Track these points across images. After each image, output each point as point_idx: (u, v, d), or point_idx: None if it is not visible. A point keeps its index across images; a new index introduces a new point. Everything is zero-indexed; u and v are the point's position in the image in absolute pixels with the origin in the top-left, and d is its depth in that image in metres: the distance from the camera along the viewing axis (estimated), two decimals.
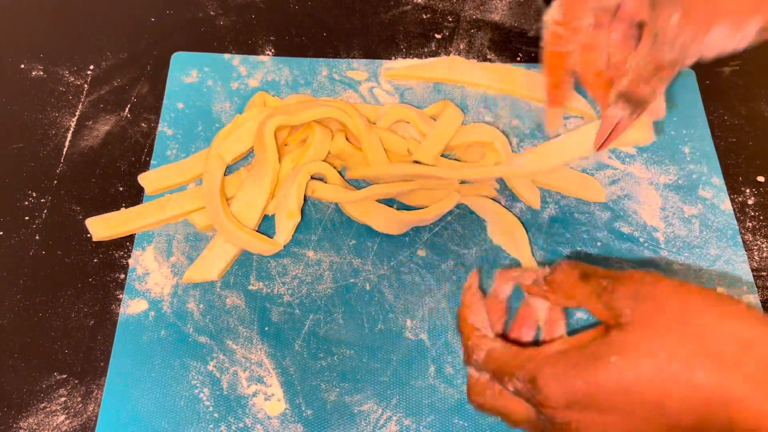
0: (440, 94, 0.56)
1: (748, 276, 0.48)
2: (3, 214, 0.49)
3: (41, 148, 0.52)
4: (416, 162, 0.50)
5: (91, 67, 0.57)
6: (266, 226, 0.49)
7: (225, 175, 0.49)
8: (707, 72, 0.58)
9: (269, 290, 0.46)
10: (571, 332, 0.35)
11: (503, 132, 0.54)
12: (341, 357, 0.44)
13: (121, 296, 0.46)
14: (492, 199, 0.50)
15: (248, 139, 0.49)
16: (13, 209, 0.50)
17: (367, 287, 0.47)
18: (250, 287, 0.47)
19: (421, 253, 0.48)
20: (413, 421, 0.42)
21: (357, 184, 0.51)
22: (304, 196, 0.48)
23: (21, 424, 0.42)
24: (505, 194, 0.51)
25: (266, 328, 0.45)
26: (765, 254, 0.49)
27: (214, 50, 0.58)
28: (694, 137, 0.54)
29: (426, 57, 0.59)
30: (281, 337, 0.45)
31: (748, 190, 0.52)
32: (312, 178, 0.49)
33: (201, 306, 0.46)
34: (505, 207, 0.50)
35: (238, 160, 0.51)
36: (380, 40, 0.59)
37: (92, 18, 0.60)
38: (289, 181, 0.47)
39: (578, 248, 0.49)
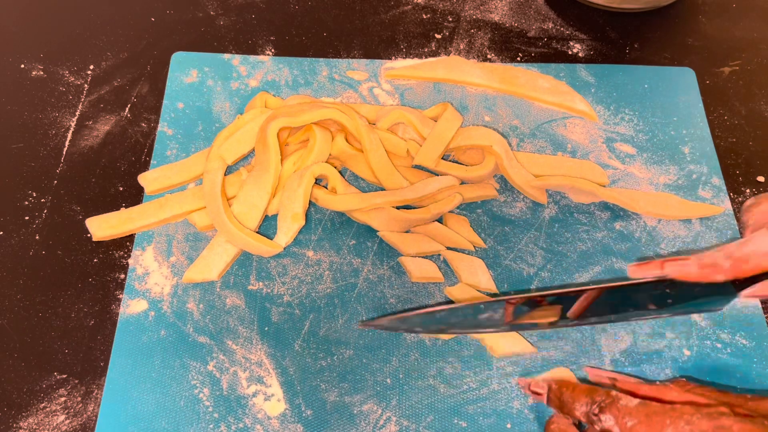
0: (440, 94, 0.56)
1: None
2: (3, 214, 0.49)
3: (41, 148, 0.52)
4: (416, 166, 0.50)
5: (91, 67, 0.57)
6: (266, 226, 0.49)
7: (225, 175, 0.49)
8: (707, 72, 0.58)
9: (269, 290, 0.46)
10: None
11: (502, 133, 0.54)
12: (341, 357, 0.44)
13: (121, 296, 0.46)
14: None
15: (250, 140, 0.49)
16: (13, 209, 0.50)
17: (367, 287, 0.47)
18: (250, 287, 0.47)
19: None
20: (413, 421, 0.42)
21: (358, 185, 0.51)
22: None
23: (21, 424, 0.42)
24: (506, 194, 0.51)
25: (266, 328, 0.45)
26: None
27: (214, 50, 0.58)
28: (694, 137, 0.54)
29: (426, 57, 0.59)
30: (281, 337, 0.45)
31: (748, 190, 0.52)
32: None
33: (201, 306, 0.46)
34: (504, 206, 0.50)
35: (238, 161, 0.51)
36: (380, 40, 0.59)
37: (92, 18, 0.60)
38: (294, 183, 0.47)
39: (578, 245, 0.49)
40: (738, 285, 0.36)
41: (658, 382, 0.39)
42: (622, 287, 0.39)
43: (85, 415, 0.42)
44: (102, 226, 0.48)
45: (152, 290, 0.46)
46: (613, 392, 0.36)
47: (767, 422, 0.31)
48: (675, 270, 0.37)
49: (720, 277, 0.36)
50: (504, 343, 0.44)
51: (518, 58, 0.59)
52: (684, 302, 0.38)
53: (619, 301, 0.39)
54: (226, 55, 0.58)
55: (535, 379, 0.42)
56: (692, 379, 0.40)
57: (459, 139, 0.51)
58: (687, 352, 0.44)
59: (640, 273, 0.38)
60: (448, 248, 0.48)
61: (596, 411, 0.35)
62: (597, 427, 0.35)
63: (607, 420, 0.34)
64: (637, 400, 0.34)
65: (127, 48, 0.58)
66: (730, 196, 0.51)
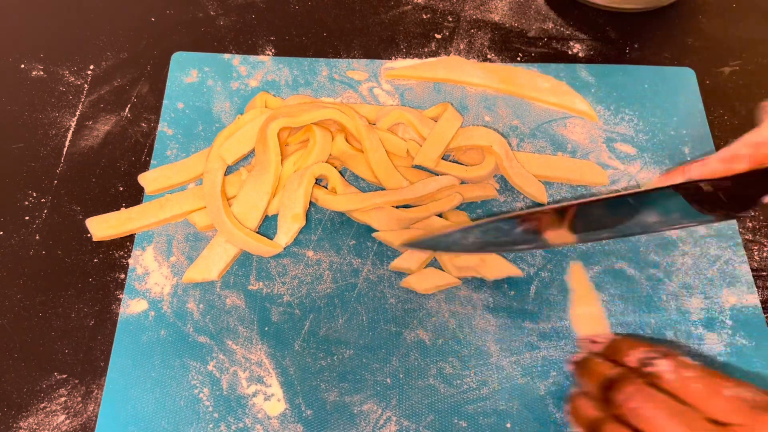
0: (440, 94, 0.56)
1: (748, 276, 0.48)
2: (3, 214, 0.49)
3: (41, 148, 0.52)
4: (416, 166, 0.50)
5: (91, 67, 0.57)
6: (266, 226, 0.49)
7: (225, 175, 0.49)
8: (707, 72, 0.58)
9: (269, 290, 0.46)
10: None
11: (502, 133, 0.54)
12: (341, 357, 0.44)
13: (121, 296, 0.46)
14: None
15: (250, 140, 0.49)
16: (13, 209, 0.50)
17: (367, 287, 0.47)
18: (250, 287, 0.47)
19: None
20: (413, 421, 0.42)
21: (358, 185, 0.51)
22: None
23: (21, 424, 0.42)
24: (506, 194, 0.51)
25: (266, 328, 0.45)
26: (765, 254, 0.49)
27: (214, 50, 0.58)
28: (694, 137, 0.54)
29: (426, 57, 0.59)
30: (281, 337, 0.45)
31: None
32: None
33: (201, 306, 0.46)
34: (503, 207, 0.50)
35: (238, 161, 0.51)
36: (380, 40, 0.59)
37: (92, 18, 0.60)
38: (294, 184, 0.47)
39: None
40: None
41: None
42: (637, 194, 0.39)
43: (85, 415, 0.42)
44: (102, 226, 0.48)
45: (152, 290, 0.46)
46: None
47: None
48: (698, 170, 0.38)
49: (742, 166, 0.37)
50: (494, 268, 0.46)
51: (518, 58, 0.59)
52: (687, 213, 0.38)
53: (633, 211, 0.39)
54: (226, 55, 0.58)
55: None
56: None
57: (459, 139, 0.51)
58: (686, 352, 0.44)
59: (665, 181, 0.39)
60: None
61: (655, 356, 0.34)
62: (648, 369, 0.34)
63: (663, 365, 0.33)
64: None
65: (127, 48, 0.58)
66: None
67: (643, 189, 0.39)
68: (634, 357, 0.35)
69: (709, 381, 0.32)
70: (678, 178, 0.38)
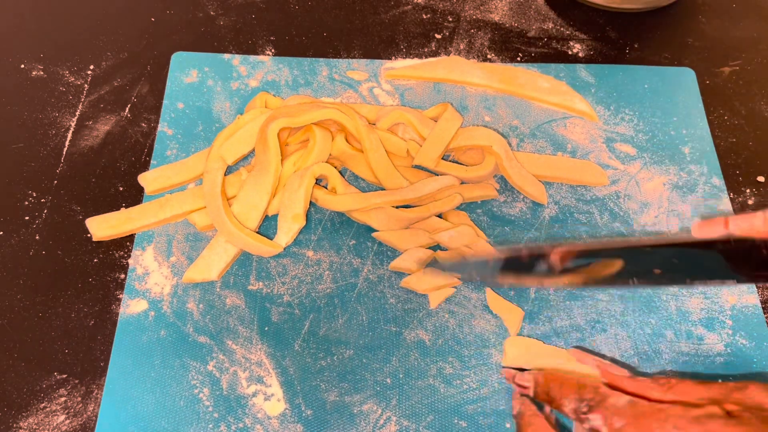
0: (440, 94, 0.56)
1: None
2: (3, 214, 0.49)
3: (41, 148, 0.52)
4: (416, 166, 0.50)
5: (91, 67, 0.57)
6: (266, 226, 0.49)
7: (225, 175, 0.49)
8: (707, 72, 0.58)
9: (269, 290, 0.46)
10: None
11: (502, 133, 0.54)
12: (341, 357, 0.44)
13: (121, 296, 0.46)
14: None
15: (250, 140, 0.49)
16: (13, 209, 0.50)
17: (367, 287, 0.47)
18: (250, 287, 0.47)
19: None
20: (413, 421, 0.42)
21: (358, 185, 0.51)
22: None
23: (21, 424, 0.42)
24: (506, 194, 0.51)
25: (266, 328, 0.45)
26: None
27: (214, 50, 0.58)
28: (694, 137, 0.54)
29: (426, 57, 0.59)
30: (281, 337, 0.45)
31: (748, 190, 0.52)
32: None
33: (201, 306, 0.46)
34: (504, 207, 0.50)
35: (238, 161, 0.51)
36: (380, 40, 0.59)
37: (92, 18, 0.60)
38: (295, 184, 0.47)
39: None
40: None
41: (640, 378, 0.37)
42: (676, 245, 0.37)
43: (85, 415, 0.42)
44: (102, 226, 0.48)
45: (152, 290, 0.46)
46: (602, 389, 0.36)
47: (754, 419, 0.31)
48: (739, 225, 0.36)
49: None
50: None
51: (518, 58, 0.59)
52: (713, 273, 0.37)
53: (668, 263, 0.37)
54: (226, 55, 0.58)
55: (521, 373, 0.41)
56: (672, 374, 0.40)
57: (459, 140, 0.51)
58: (686, 352, 0.44)
59: (704, 232, 0.37)
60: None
61: (585, 410, 0.35)
62: (586, 426, 0.35)
63: (596, 419, 0.34)
64: (625, 398, 0.34)
65: (127, 48, 0.58)
66: (730, 196, 0.51)
67: (683, 240, 0.37)
68: (569, 408, 0.36)
69: (641, 424, 0.32)
70: (718, 230, 0.36)
